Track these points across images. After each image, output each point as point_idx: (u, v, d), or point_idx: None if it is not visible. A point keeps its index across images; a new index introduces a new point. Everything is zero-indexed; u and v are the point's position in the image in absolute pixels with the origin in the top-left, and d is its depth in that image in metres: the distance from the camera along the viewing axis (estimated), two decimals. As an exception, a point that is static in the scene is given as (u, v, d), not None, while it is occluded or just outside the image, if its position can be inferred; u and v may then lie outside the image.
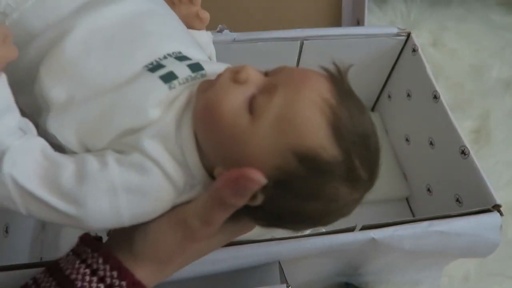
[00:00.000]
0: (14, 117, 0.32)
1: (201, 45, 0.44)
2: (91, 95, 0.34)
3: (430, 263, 0.52)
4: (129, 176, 0.33)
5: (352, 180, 0.33)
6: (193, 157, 0.34)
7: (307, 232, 0.48)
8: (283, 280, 0.41)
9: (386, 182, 0.64)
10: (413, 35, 0.61)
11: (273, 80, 0.34)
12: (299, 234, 0.43)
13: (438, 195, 0.57)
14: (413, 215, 0.64)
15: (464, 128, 0.75)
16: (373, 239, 0.41)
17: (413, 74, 0.61)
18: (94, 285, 0.33)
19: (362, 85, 0.72)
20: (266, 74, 0.36)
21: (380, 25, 0.90)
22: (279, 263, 0.42)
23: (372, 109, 0.75)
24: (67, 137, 0.34)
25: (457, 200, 0.52)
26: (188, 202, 0.35)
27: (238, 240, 0.40)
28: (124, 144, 0.34)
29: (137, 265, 0.35)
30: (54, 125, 0.34)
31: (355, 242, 0.42)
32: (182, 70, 0.36)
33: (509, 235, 0.63)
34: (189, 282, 0.37)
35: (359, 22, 0.72)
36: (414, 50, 0.60)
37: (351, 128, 0.32)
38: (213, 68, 0.37)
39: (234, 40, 0.57)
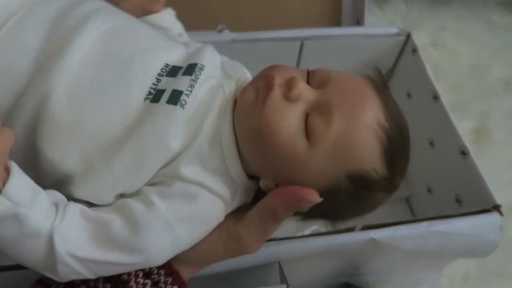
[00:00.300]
0: (43, 197, 0.31)
1: (167, 27, 0.43)
2: (107, 152, 0.32)
3: (430, 263, 0.52)
4: (178, 207, 0.33)
5: (391, 190, 0.36)
6: (236, 166, 0.34)
7: (307, 232, 0.48)
8: (283, 280, 0.41)
9: (386, 182, 0.64)
10: (413, 35, 0.61)
11: (325, 97, 0.33)
12: (299, 234, 0.43)
13: (438, 195, 0.57)
14: (413, 215, 0.64)
15: (464, 128, 0.75)
16: (373, 239, 0.41)
17: (413, 74, 0.61)
18: (140, 280, 0.34)
19: (362, 85, 0.72)
20: (308, 75, 0.35)
21: (380, 25, 0.90)
22: (279, 263, 0.42)
23: (372, 109, 0.75)
24: (102, 199, 0.33)
25: (457, 200, 0.52)
26: (236, 218, 0.35)
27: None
28: (161, 176, 0.34)
29: (178, 266, 0.35)
30: (84, 194, 0.33)
31: (355, 242, 0.42)
32: (181, 82, 0.34)
33: (509, 235, 0.63)
34: (188, 282, 0.37)
35: (359, 22, 0.72)
36: (414, 50, 0.60)
37: (400, 150, 0.34)
38: (205, 56, 0.36)
39: (234, 40, 0.57)
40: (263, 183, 0.35)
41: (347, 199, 0.34)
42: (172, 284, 0.34)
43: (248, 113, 0.33)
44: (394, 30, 0.61)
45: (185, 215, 0.33)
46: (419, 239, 0.43)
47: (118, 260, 0.32)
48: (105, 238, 0.31)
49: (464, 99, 0.80)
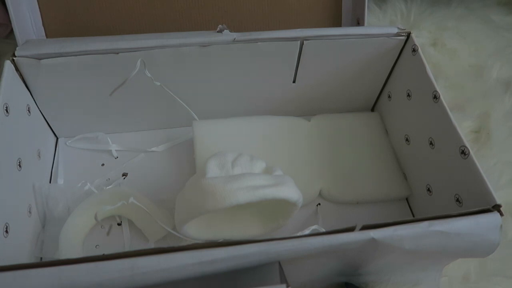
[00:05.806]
0: None
1: None
2: None
3: (430, 263, 0.52)
4: None
5: None
6: None
7: (307, 232, 0.48)
8: (283, 280, 0.41)
9: (386, 182, 0.64)
10: (413, 35, 0.61)
11: None
12: (299, 234, 0.43)
13: (438, 195, 0.57)
14: (413, 215, 0.64)
15: (464, 128, 0.75)
16: (373, 239, 0.41)
17: (413, 74, 0.61)
18: None
19: (362, 85, 0.72)
20: None
21: (380, 25, 0.90)
22: (279, 263, 0.42)
23: (372, 109, 0.75)
24: None
25: (457, 200, 0.52)
26: None
27: (238, 240, 0.40)
28: None
29: None
30: None
31: (355, 242, 0.42)
32: None
33: (509, 235, 0.63)
34: (188, 282, 0.37)
35: (359, 22, 0.72)
36: (414, 50, 0.60)
37: None
38: None
39: (234, 40, 0.57)
40: None
41: None
42: None
43: None
44: (394, 30, 0.61)
45: None
46: (419, 239, 0.43)
47: None
48: None
49: (464, 99, 0.80)
